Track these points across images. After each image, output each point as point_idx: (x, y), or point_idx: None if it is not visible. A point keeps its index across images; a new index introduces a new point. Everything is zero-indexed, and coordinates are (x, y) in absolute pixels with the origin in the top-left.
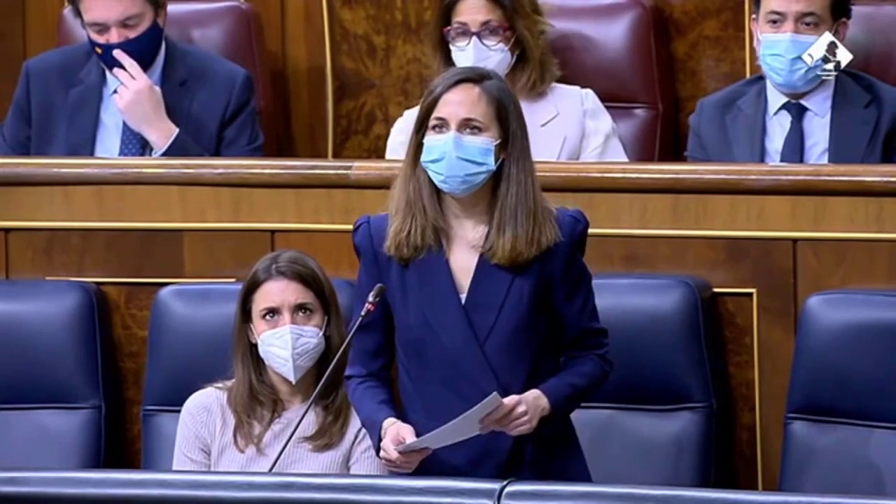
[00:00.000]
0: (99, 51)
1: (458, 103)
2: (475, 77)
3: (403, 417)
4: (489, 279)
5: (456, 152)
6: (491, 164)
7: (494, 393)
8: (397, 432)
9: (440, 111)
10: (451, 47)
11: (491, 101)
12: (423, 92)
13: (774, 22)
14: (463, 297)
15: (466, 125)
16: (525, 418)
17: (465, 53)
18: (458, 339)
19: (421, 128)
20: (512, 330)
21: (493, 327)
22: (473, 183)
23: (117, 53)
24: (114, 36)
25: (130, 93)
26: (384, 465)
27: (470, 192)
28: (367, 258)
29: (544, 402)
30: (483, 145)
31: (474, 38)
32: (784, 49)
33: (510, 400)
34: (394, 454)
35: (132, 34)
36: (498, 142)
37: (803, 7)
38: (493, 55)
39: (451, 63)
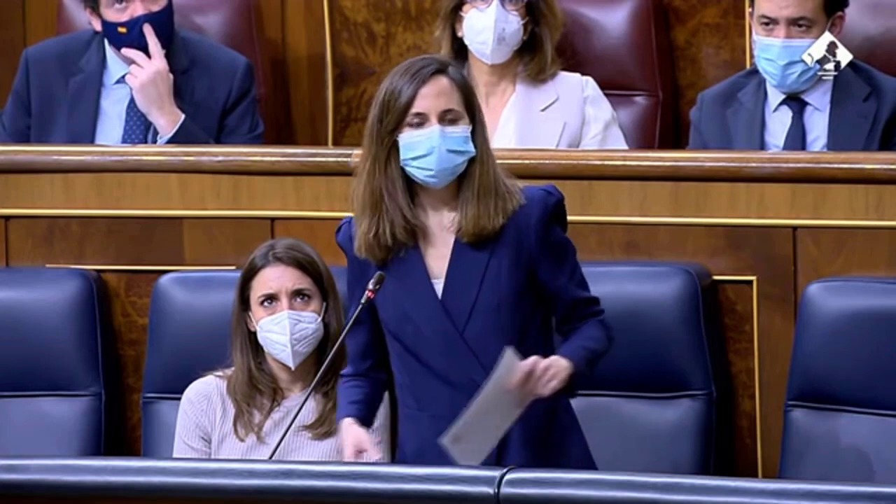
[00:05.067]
0: (123, 30)
1: (435, 96)
2: (441, 67)
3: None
4: (465, 261)
5: (444, 145)
6: (472, 150)
7: (508, 348)
8: (357, 439)
9: (418, 106)
10: (469, 11)
11: (460, 89)
12: None
13: (767, 24)
14: (440, 284)
15: (445, 116)
16: (552, 371)
17: (485, 15)
18: (437, 329)
19: (396, 127)
20: (492, 310)
21: (471, 312)
22: (457, 173)
23: (147, 29)
24: (138, 8)
25: (147, 73)
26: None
27: (450, 181)
28: (349, 257)
29: (564, 361)
30: (463, 134)
31: (497, 1)
32: (776, 55)
33: (528, 361)
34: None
35: (155, 7)
36: (471, 128)
37: (793, 12)
38: (512, 20)
39: (455, 36)
